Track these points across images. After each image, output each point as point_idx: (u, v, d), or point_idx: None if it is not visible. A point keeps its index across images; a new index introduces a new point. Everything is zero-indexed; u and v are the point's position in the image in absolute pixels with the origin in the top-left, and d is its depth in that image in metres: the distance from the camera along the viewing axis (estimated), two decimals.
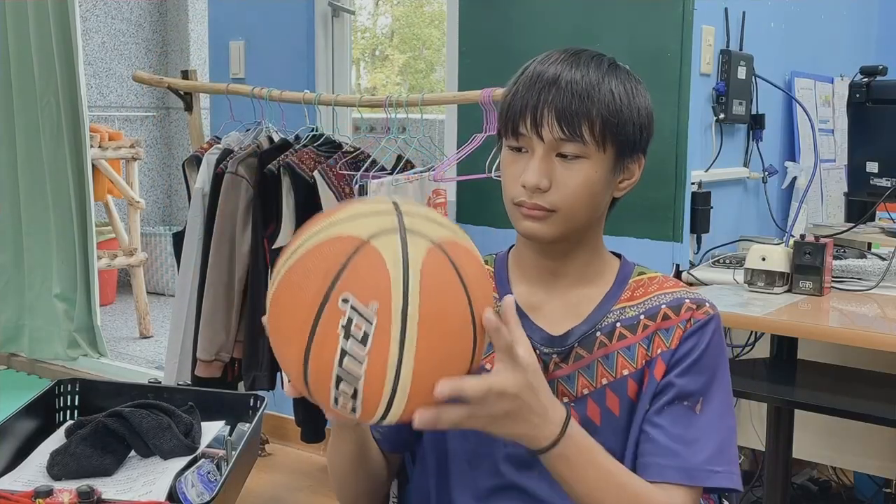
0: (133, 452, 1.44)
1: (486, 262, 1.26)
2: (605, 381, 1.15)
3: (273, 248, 2.50)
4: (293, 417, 2.81)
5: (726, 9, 2.63)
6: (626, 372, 1.15)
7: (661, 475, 1.11)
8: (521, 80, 1.15)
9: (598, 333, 1.16)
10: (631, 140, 1.14)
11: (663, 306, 1.16)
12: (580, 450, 1.03)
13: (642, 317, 1.16)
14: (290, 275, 0.91)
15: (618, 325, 1.16)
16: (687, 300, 1.16)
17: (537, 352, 1.17)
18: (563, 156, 1.11)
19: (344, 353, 0.87)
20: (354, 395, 0.88)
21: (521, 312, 1.19)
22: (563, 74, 1.12)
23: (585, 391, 1.15)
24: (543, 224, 1.14)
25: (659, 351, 1.14)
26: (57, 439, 1.50)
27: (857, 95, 2.44)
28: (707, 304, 1.17)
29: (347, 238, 0.91)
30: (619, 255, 1.25)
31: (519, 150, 1.14)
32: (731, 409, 1.17)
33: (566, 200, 1.12)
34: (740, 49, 2.67)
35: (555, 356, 1.17)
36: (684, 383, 1.13)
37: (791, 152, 2.99)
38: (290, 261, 0.92)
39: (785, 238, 2.36)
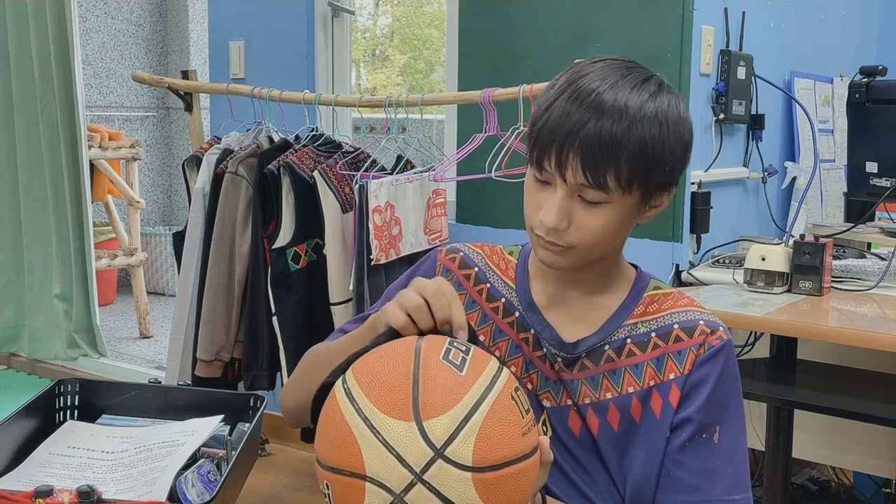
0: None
1: (511, 252, 1.26)
2: (609, 396, 1.14)
3: (273, 247, 2.50)
4: None
5: (726, 9, 2.63)
6: (631, 389, 1.13)
7: None
8: (557, 103, 1.08)
9: (607, 347, 1.15)
10: (660, 181, 1.10)
11: (676, 326, 1.14)
12: None
13: (653, 335, 1.14)
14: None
15: (628, 340, 1.15)
16: (701, 322, 1.14)
17: (544, 350, 1.17)
18: (585, 199, 1.08)
19: None
20: None
21: (535, 308, 1.19)
22: (596, 112, 1.05)
23: (587, 400, 1.15)
24: (560, 257, 1.11)
25: (672, 376, 1.12)
26: (57, 439, 1.50)
27: (857, 95, 2.44)
28: (721, 329, 1.14)
29: (358, 461, 0.91)
30: (635, 266, 1.23)
31: (543, 181, 1.10)
32: (745, 433, 1.17)
33: (584, 240, 1.09)
34: (740, 49, 2.67)
35: (560, 359, 1.16)
36: (703, 417, 1.12)
37: (790, 152, 2.99)
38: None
39: (785, 238, 2.36)
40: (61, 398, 1.58)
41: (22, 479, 1.36)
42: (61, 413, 1.58)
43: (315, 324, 2.52)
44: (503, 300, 1.21)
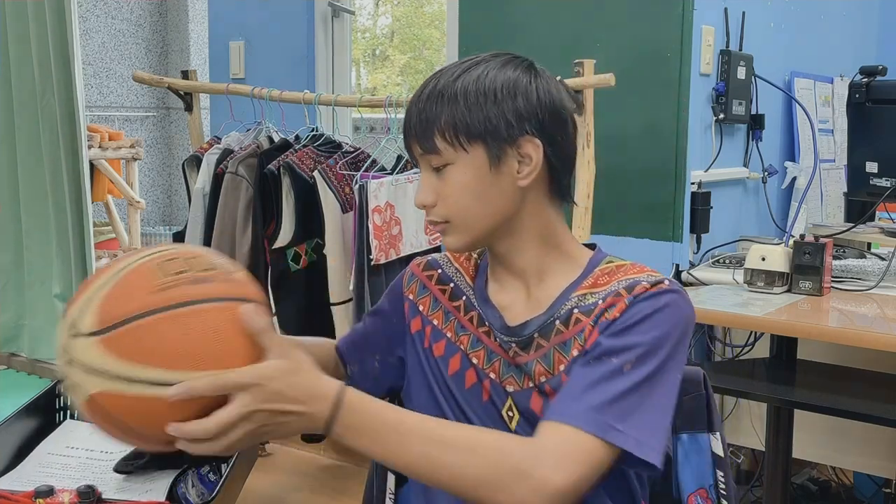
0: None
1: (481, 254, 1.29)
2: (561, 368, 1.14)
3: (273, 247, 2.50)
4: None
5: (726, 9, 2.63)
6: (576, 353, 1.12)
7: (553, 415, 1.05)
8: None
9: (557, 322, 1.15)
10: (495, 128, 1.11)
11: (620, 288, 1.12)
12: (367, 416, 1.00)
13: (600, 301, 1.13)
14: None
15: (575, 311, 1.14)
16: (643, 281, 1.12)
17: (497, 340, 1.19)
18: (435, 169, 1.15)
19: None
20: None
21: (489, 302, 1.22)
22: (415, 95, 1.16)
23: (543, 378, 1.15)
24: (448, 236, 1.18)
25: (602, 322, 1.11)
26: (57, 439, 1.50)
27: (857, 95, 2.44)
28: (665, 282, 1.11)
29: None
30: (592, 247, 1.22)
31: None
32: (672, 390, 1.09)
33: (451, 209, 1.15)
34: (740, 49, 2.67)
35: (514, 345, 1.17)
36: (613, 342, 1.08)
37: (791, 152, 2.99)
38: None
39: (785, 238, 2.36)
40: (61, 398, 1.58)
41: (22, 479, 1.36)
42: (61, 413, 1.58)
43: (315, 324, 2.52)
44: (464, 298, 1.25)
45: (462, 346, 1.22)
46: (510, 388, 1.17)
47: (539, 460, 1.00)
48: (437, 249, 2.66)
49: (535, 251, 1.18)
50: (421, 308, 1.27)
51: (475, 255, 1.29)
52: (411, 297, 1.29)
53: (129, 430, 0.99)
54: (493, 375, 1.19)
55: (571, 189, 1.21)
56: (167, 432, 0.95)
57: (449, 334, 1.23)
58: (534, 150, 1.13)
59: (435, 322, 1.25)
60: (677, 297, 1.11)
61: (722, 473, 1.27)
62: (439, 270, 1.29)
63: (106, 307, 0.97)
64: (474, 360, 1.20)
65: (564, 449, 1.02)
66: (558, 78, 1.22)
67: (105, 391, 0.96)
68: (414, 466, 1.02)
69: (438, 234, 1.20)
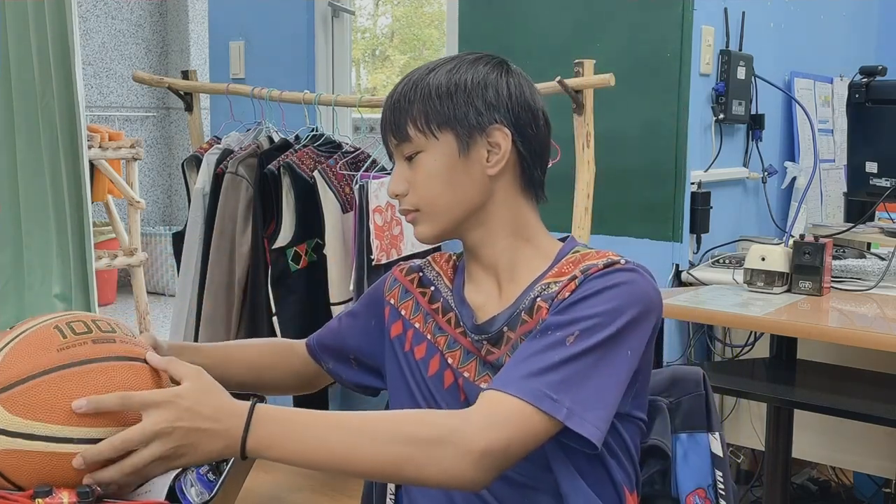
0: None
1: (459, 257, 1.29)
2: None
3: (273, 247, 2.50)
4: None
5: (726, 9, 2.63)
6: None
7: (490, 385, 1.05)
8: None
9: (522, 313, 1.15)
10: (465, 115, 1.14)
11: (577, 271, 1.12)
12: (280, 423, 1.01)
13: (559, 287, 1.12)
14: None
15: (538, 299, 1.14)
16: (601, 263, 1.11)
17: (468, 338, 1.19)
18: (407, 159, 1.17)
19: None
20: None
21: (465, 303, 1.23)
22: (391, 91, 1.19)
23: None
24: (419, 225, 1.19)
25: (554, 302, 1.11)
26: None
27: (857, 95, 2.44)
28: (621, 262, 1.11)
29: None
30: (564, 239, 1.22)
31: None
32: (621, 367, 1.06)
33: (421, 197, 1.17)
34: (740, 49, 2.67)
35: (486, 342, 1.17)
36: (558, 317, 1.07)
37: (790, 152, 2.99)
38: None
39: (784, 238, 2.36)
40: None
41: None
42: None
43: (315, 324, 2.51)
44: (442, 300, 1.25)
45: (440, 347, 1.22)
46: (483, 385, 1.17)
47: (464, 425, 1.01)
48: (437, 249, 2.66)
49: (506, 243, 1.19)
50: (403, 312, 1.28)
51: (454, 257, 1.30)
52: (392, 301, 1.29)
53: (36, 482, 0.99)
54: (467, 374, 1.19)
55: (545, 184, 1.21)
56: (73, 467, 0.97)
57: (429, 336, 1.24)
58: (503, 139, 1.15)
59: (416, 325, 1.26)
60: (634, 276, 1.10)
61: (721, 473, 1.26)
62: (420, 274, 1.29)
63: (3, 368, 0.99)
64: (450, 361, 1.21)
65: (493, 412, 1.02)
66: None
67: (6, 449, 0.97)
68: (337, 463, 1.01)
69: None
